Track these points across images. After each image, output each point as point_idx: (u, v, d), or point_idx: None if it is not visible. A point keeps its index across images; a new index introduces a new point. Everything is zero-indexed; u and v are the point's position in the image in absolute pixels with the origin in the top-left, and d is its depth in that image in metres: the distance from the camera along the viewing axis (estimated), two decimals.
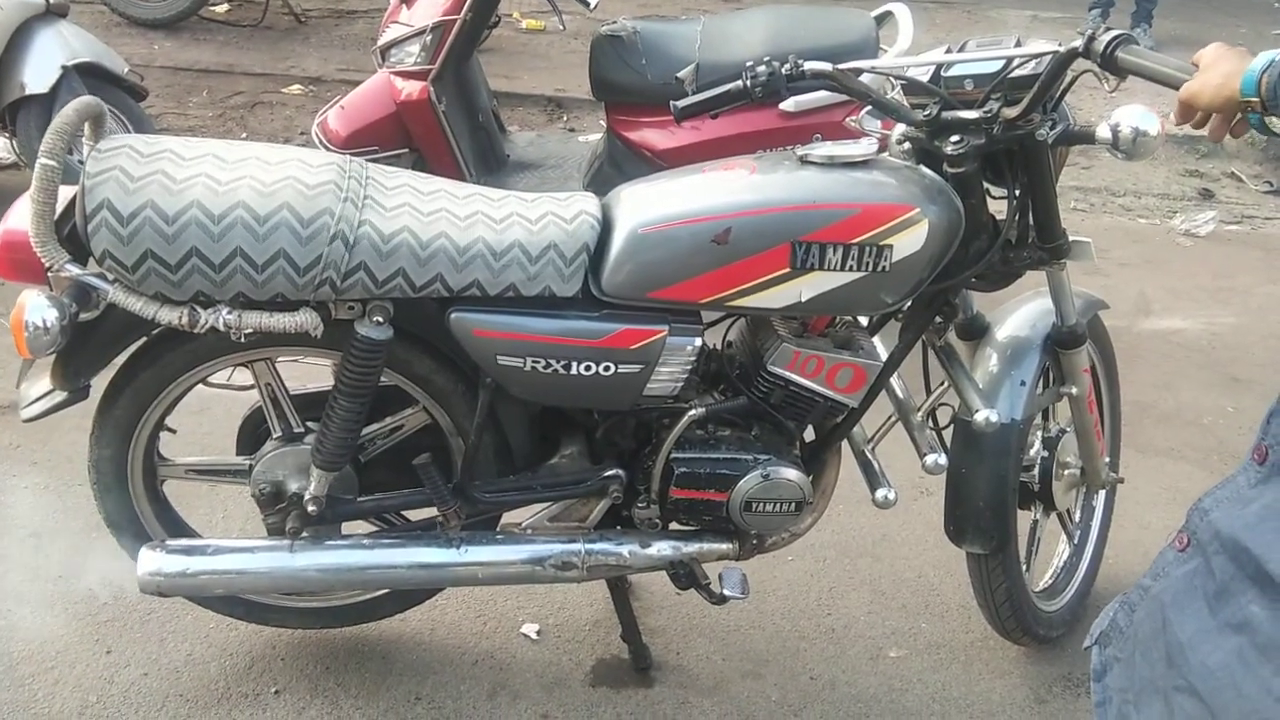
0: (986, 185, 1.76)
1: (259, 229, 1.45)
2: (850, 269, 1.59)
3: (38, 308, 1.40)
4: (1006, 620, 1.97)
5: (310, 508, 1.69)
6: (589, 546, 1.78)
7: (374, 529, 1.89)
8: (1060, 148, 1.75)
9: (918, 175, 1.66)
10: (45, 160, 1.41)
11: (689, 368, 1.67)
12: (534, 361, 1.60)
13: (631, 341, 1.61)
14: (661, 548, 1.80)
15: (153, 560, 1.66)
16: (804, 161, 1.65)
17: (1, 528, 2.24)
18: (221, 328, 1.49)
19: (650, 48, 3.41)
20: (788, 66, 1.71)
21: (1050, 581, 2.19)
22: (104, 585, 2.07)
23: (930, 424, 1.92)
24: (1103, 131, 1.63)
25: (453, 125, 3.45)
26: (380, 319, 1.54)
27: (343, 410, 1.62)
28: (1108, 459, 2.13)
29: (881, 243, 1.58)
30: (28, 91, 3.71)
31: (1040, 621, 2.03)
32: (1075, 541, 2.24)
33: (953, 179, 1.67)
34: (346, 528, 1.82)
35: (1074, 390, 1.92)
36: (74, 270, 1.45)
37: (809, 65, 1.71)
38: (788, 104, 3.33)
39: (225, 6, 6.48)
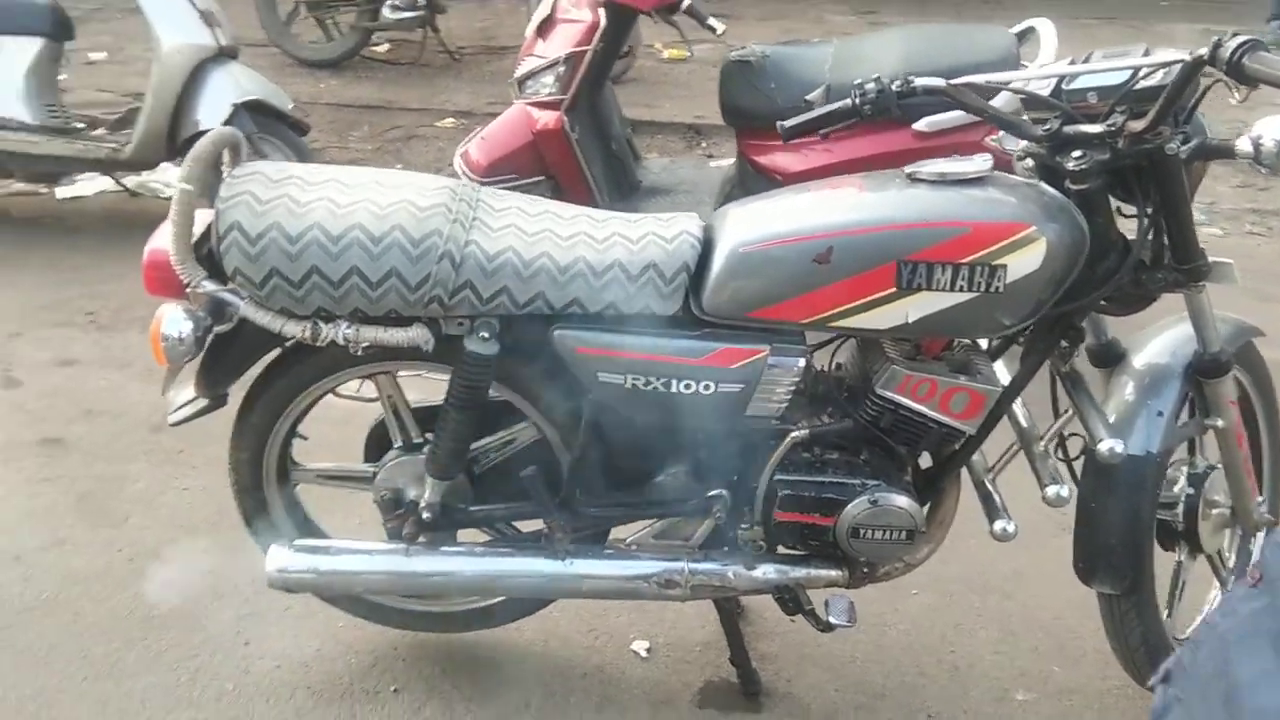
0: (1117, 204, 1.68)
1: (373, 249, 1.52)
2: (961, 289, 1.54)
3: (174, 321, 1.52)
4: (1142, 667, 1.84)
5: (425, 514, 1.75)
6: (692, 566, 1.77)
7: (487, 538, 1.93)
8: (1196, 163, 1.65)
9: (1036, 192, 1.60)
10: (183, 185, 1.53)
11: (792, 388, 1.65)
12: (634, 379, 1.62)
13: (732, 361, 1.61)
14: (767, 571, 1.78)
15: (280, 558, 1.76)
16: (913, 179, 1.61)
17: (162, 525, 2.41)
18: (341, 341, 1.58)
19: (780, 72, 3.40)
20: (898, 83, 1.68)
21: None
22: (249, 582, 2.19)
23: (1060, 455, 1.83)
24: (1243, 145, 1.54)
25: (585, 153, 3.52)
26: (486, 335, 1.59)
27: (453, 422, 1.67)
28: (1263, 499, 1.97)
29: (994, 262, 1.52)
30: (201, 127, 4.01)
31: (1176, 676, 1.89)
32: (1229, 588, 2.07)
33: (1076, 196, 1.60)
34: (463, 536, 1.88)
35: (1219, 423, 1.79)
36: (209, 287, 1.56)
37: (920, 81, 1.68)
38: (921, 124, 3.26)
39: (386, 46, 6.85)
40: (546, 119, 3.49)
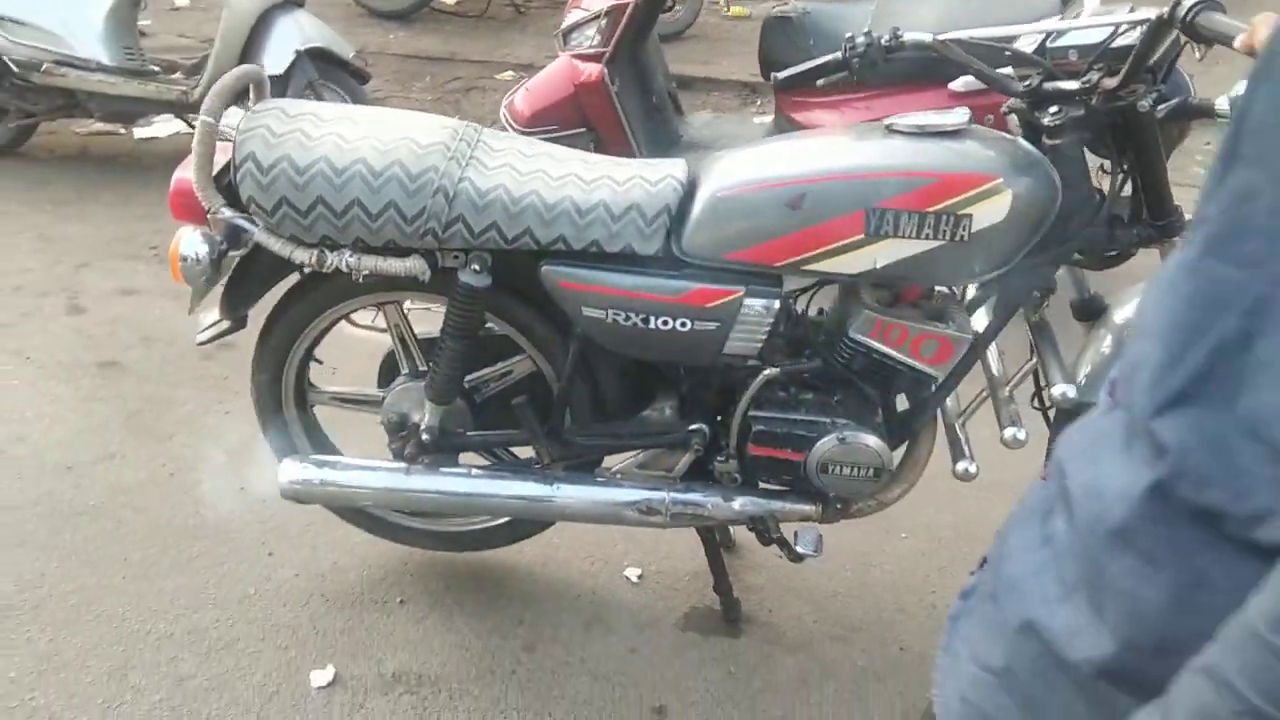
0: (1102, 160, 1.71)
1: (374, 181, 1.63)
2: (927, 237, 1.60)
3: (191, 242, 1.66)
4: None
5: (424, 436, 1.88)
6: (673, 495, 1.87)
7: (488, 463, 2.06)
8: (1179, 123, 1.67)
9: (1008, 146, 1.64)
10: (204, 118, 1.66)
11: (767, 329, 1.72)
12: (615, 314, 1.71)
13: (707, 300, 1.69)
14: (744, 503, 1.87)
15: (291, 470, 1.91)
16: (891, 131, 1.67)
17: (203, 444, 2.59)
18: (344, 268, 1.70)
19: (818, 29, 3.43)
20: (886, 37, 1.73)
21: None
22: (276, 498, 2.34)
23: (1037, 404, 1.88)
24: (1222, 104, 1.57)
25: (625, 106, 3.59)
26: (477, 267, 1.70)
27: (449, 351, 1.79)
28: None
29: (960, 212, 1.58)
30: (266, 73, 4.17)
31: None
32: None
33: (1050, 151, 1.64)
34: (469, 460, 2.00)
35: None
36: (227, 213, 1.70)
37: (908, 36, 1.72)
38: (957, 84, 3.25)
39: None
40: (588, 71, 3.57)
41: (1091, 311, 1.89)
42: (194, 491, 2.41)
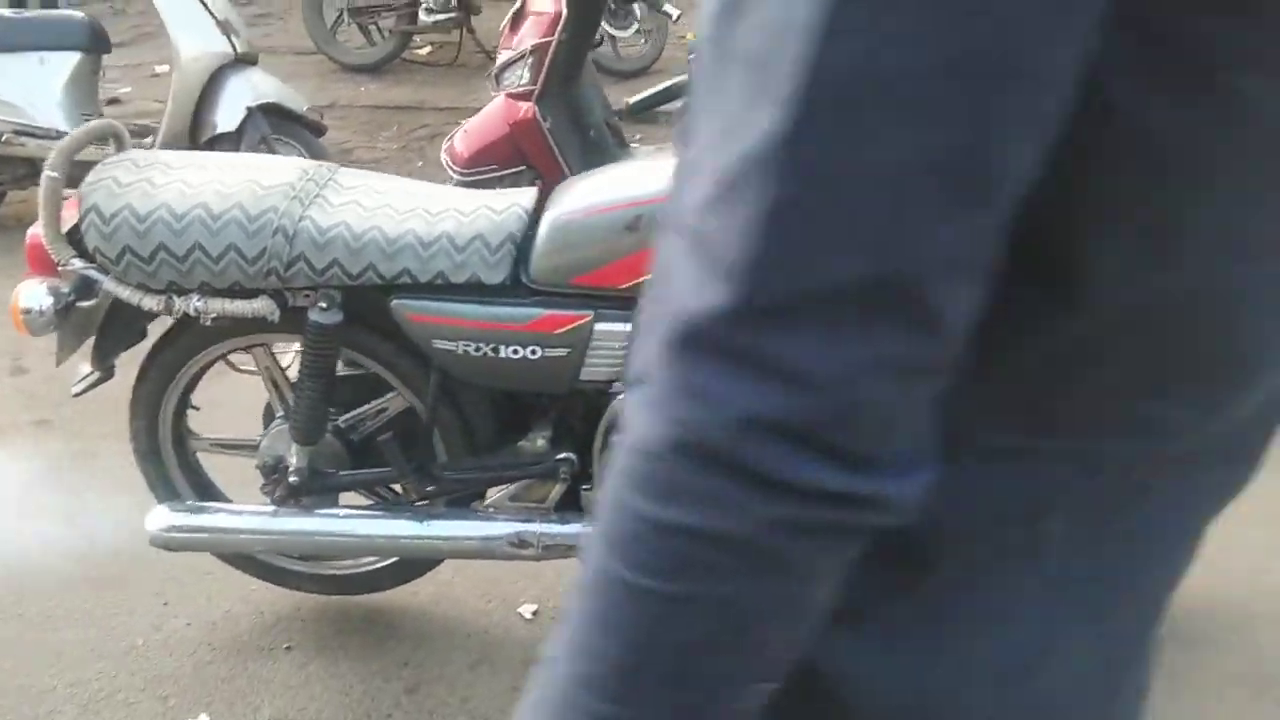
0: None
1: (213, 224, 1.64)
2: None
3: (34, 295, 1.67)
4: None
5: (292, 478, 1.87)
6: (544, 527, 1.85)
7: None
8: None
9: None
10: (48, 173, 1.68)
11: (623, 353, 1.71)
12: (465, 345, 1.70)
13: (556, 326, 1.68)
14: None
15: (161, 518, 1.90)
16: None
17: (116, 496, 2.58)
18: (192, 313, 1.70)
19: None
20: None
21: None
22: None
23: None
24: None
25: (559, 142, 3.61)
26: (324, 305, 1.70)
27: (307, 390, 1.79)
28: None
29: None
30: (218, 130, 4.24)
31: None
32: None
33: None
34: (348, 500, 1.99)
35: None
36: (76, 265, 1.71)
37: None
38: None
39: (428, 49, 7.06)
40: (521, 109, 3.61)
41: None
42: (101, 543, 2.40)
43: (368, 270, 1.67)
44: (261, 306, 1.70)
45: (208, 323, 1.73)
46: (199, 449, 2.07)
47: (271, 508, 1.90)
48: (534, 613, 2.16)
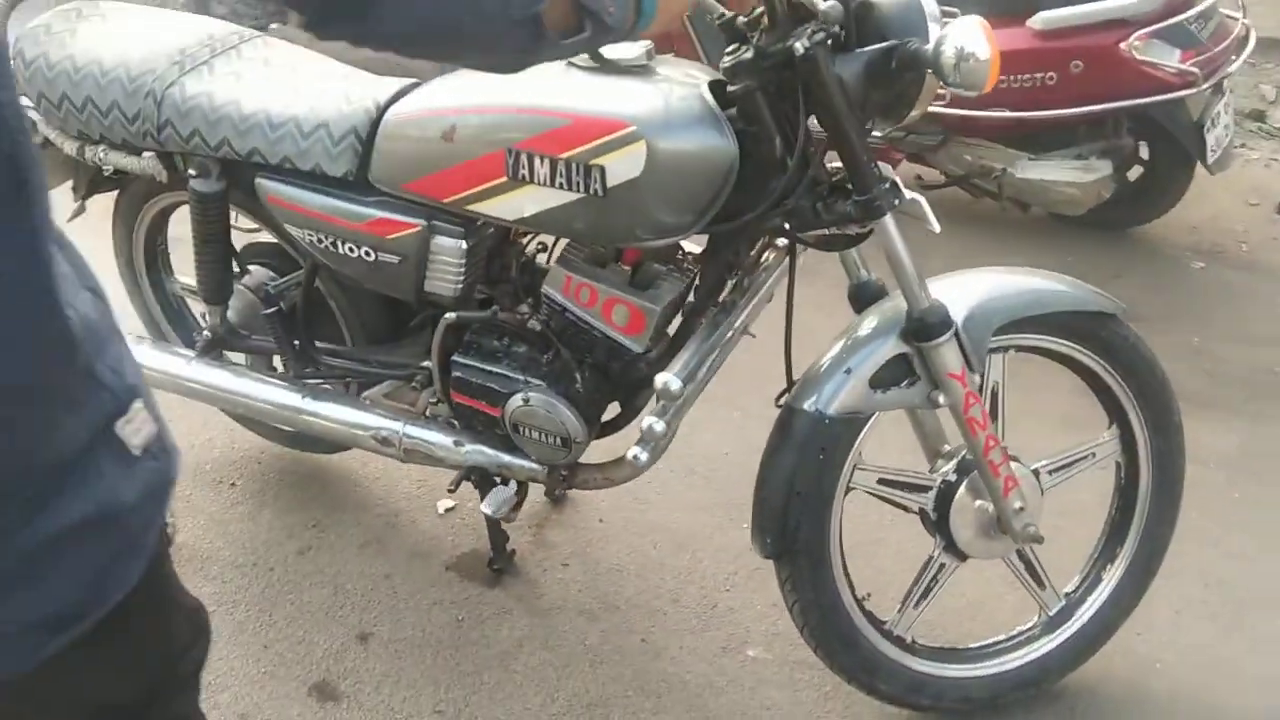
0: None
1: (101, 80, 1.70)
2: (562, 187, 1.40)
3: None
4: (808, 638, 1.60)
5: (205, 333, 1.96)
6: (407, 430, 1.80)
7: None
8: (913, 76, 1.32)
9: (669, 89, 1.38)
10: None
11: (462, 270, 1.60)
12: (309, 234, 1.67)
13: (388, 231, 1.60)
14: (471, 450, 1.76)
15: None
16: (569, 64, 1.45)
17: None
18: (94, 161, 1.79)
19: None
20: None
21: (972, 646, 1.71)
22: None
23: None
24: (925, 53, 1.24)
25: (699, 28, 3.35)
26: (194, 172, 1.72)
27: (198, 253, 1.84)
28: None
29: (591, 162, 1.37)
30: None
31: (882, 671, 1.60)
32: (1053, 614, 1.69)
33: (737, 102, 1.36)
34: None
35: (940, 398, 1.45)
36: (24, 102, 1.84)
37: None
38: (1035, 21, 2.74)
39: None
40: None
41: (862, 298, 1.55)
42: None
43: (223, 144, 1.66)
44: (149, 165, 1.75)
45: (109, 173, 1.81)
46: (170, 289, 2.21)
47: (190, 355, 1.99)
48: (447, 510, 2.16)
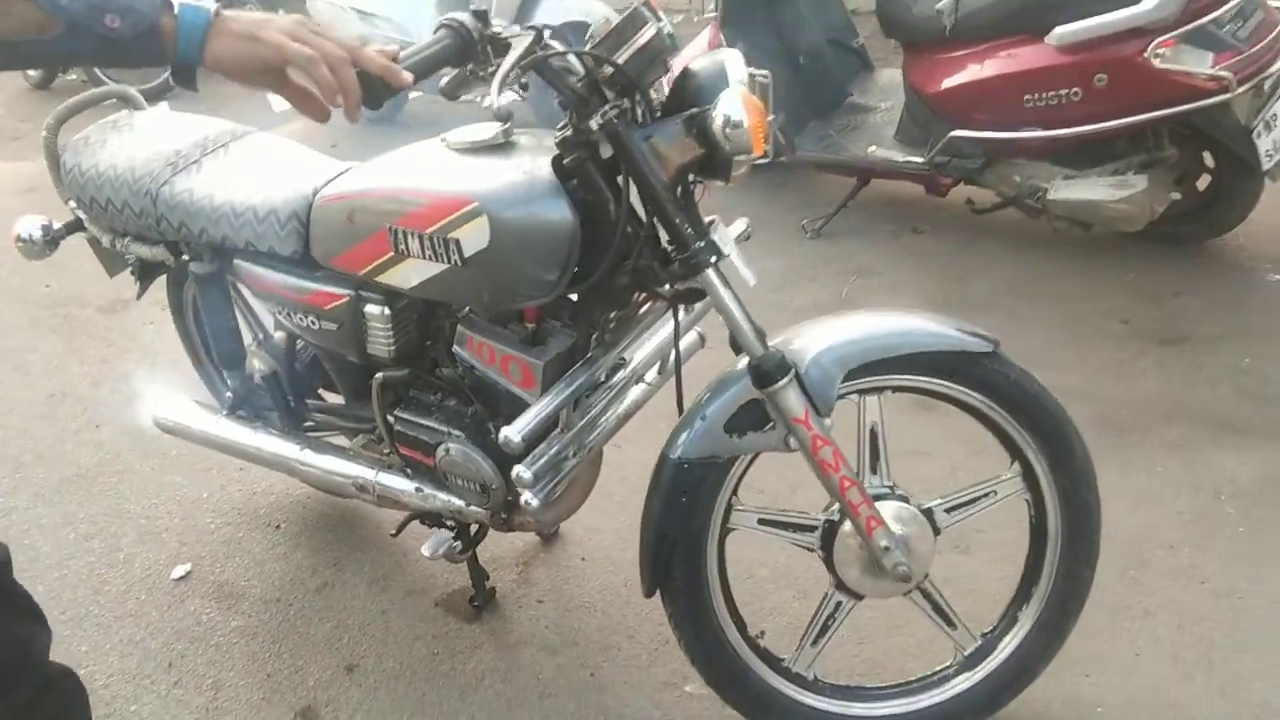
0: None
1: (116, 183, 1.97)
2: (432, 259, 1.54)
3: (27, 225, 2.13)
4: (699, 673, 1.64)
5: (228, 394, 2.22)
6: (380, 477, 1.97)
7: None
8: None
9: (515, 164, 1.48)
10: (43, 133, 2.13)
11: (390, 333, 1.76)
12: (273, 307, 1.88)
13: (325, 302, 1.78)
14: (428, 495, 1.91)
15: (162, 409, 2.34)
16: (446, 146, 1.59)
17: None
18: (122, 251, 2.08)
19: None
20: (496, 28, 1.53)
21: (880, 685, 1.69)
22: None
23: None
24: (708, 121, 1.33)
25: (754, 68, 3.42)
26: (186, 257, 1.97)
27: (209, 325, 2.09)
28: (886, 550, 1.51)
29: (448, 235, 1.50)
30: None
31: (777, 708, 1.61)
32: (968, 653, 1.66)
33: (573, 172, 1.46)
34: None
35: (790, 442, 1.47)
36: (71, 205, 2.16)
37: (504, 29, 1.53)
38: (1051, 38, 2.66)
39: None
40: (719, 36, 3.47)
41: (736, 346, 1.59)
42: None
43: (203, 233, 1.89)
44: (158, 253, 2.02)
45: (132, 260, 2.10)
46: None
47: (220, 415, 2.26)
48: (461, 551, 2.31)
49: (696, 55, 3.43)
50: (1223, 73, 2.52)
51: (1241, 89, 2.52)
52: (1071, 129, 2.73)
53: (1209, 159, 2.92)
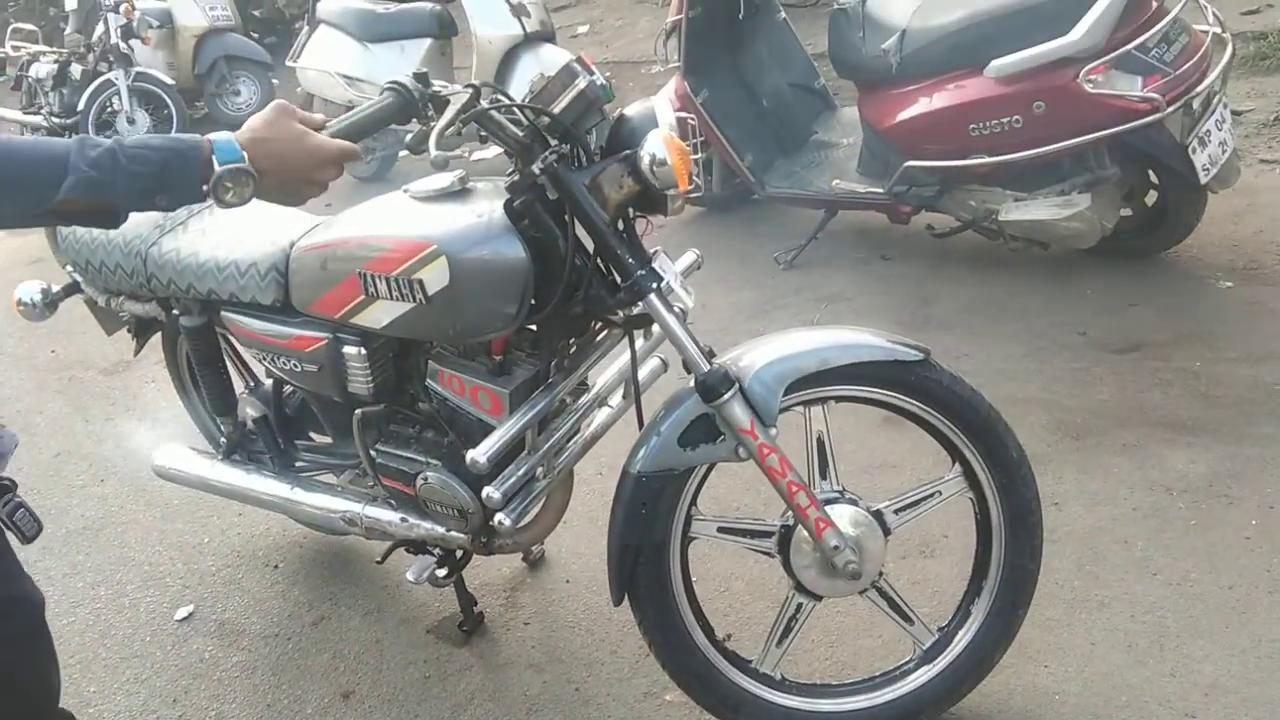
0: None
1: (108, 246, 2.06)
2: (400, 299, 1.62)
3: (27, 290, 2.22)
4: (670, 676, 1.70)
5: (222, 439, 2.29)
6: (367, 511, 2.04)
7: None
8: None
9: (471, 208, 1.57)
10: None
11: (367, 372, 1.83)
12: (259, 353, 1.96)
13: (305, 345, 1.86)
14: (412, 525, 1.97)
15: (159, 455, 2.41)
16: (408, 195, 1.68)
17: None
18: (117, 309, 2.16)
19: (871, 20, 3.08)
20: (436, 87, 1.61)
21: (845, 681, 1.74)
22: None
23: None
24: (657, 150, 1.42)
25: (714, 115, 3.53)
26: (178, 312, 2.05)
27: (202, 375, 2.17)
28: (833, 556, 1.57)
29: (412, 277, 1.58)
30: None
31: (746, 707, 1.66)
32: (926, 647, 1.71)
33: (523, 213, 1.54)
34: None
35: (740, 452, 1.54)
36: (68, 269, 2.25)
37: (445, 88, 1.60)
38: (990, 70, 2.76)
39: None
40: (682, 83, 3.58)
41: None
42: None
43: (190, 287, 1.98)
44: (150, 309, 2.10)
45: (126, 318, 2.18)
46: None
47: (214, 460, 2.33)
48: (445, 576, 2.36)
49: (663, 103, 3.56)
50: (1152, 94, 2.61)
51: (1171, 109, 2.61)
52: (1015, 154, 2.82)
53: (1154, 176, 3.01)
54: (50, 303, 2.24)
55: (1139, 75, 2.63)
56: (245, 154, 1.20)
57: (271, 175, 1.22)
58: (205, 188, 1.17)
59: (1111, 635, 1.86)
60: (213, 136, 1.20)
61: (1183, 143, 2.71)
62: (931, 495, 1.66)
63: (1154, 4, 2.71)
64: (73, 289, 2.25)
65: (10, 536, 1.22)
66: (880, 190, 3.22)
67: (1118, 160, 2.88)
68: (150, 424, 3.28)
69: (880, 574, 1.66)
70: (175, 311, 2.07)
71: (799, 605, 1.68)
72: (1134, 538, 2.08)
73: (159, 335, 2.40)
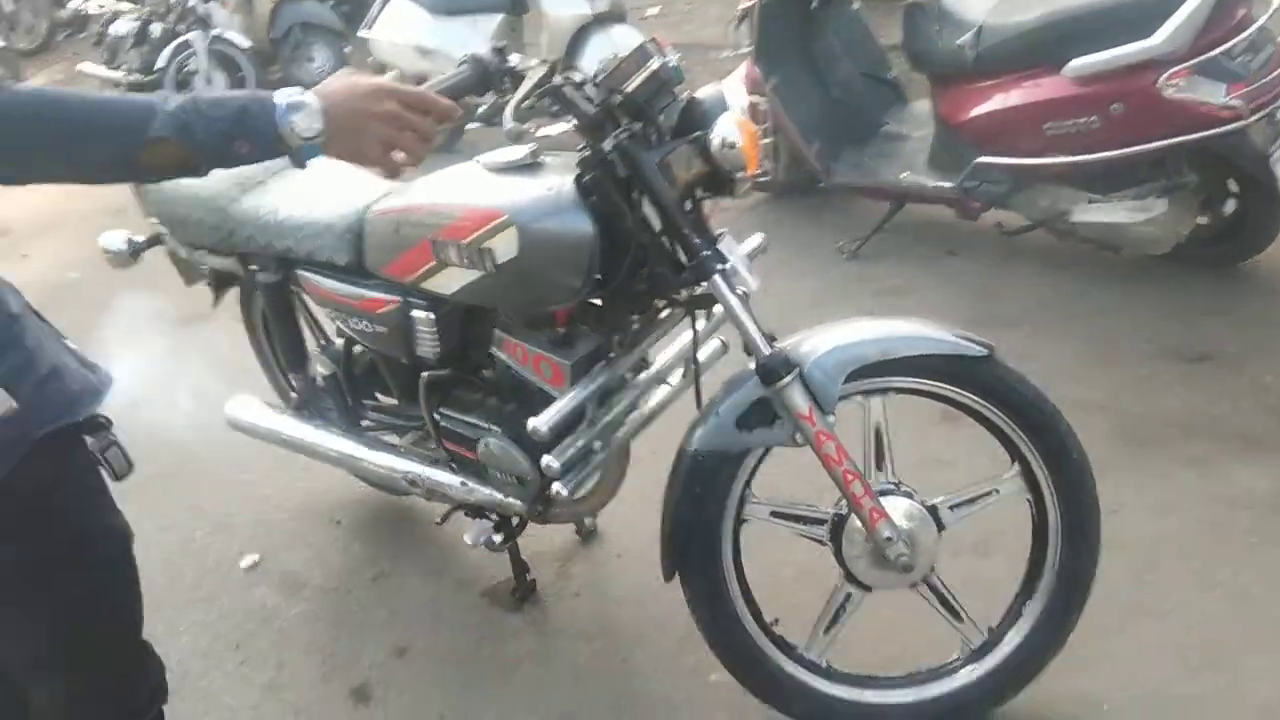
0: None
1: (190, 201, 2.09)
2: (469, 267, 1.62)
3: (111, 239, 2.26)
4: (717, 655, 1.69)
5: (293, 394, 2.32)
6: (428, 472, 2.04)
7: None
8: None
9: (542, 182, 1.56)
10: None
11: (436, 336, 1.84)
12: (331, 311, 1.97)
13: (376, 307, 1.87)
14: (471, 489, 1.97)
15: (232, 408, 2.44)
16: (481, 165, 1.67)
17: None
18: (197, 263, 2.20)
19: (947, 14, 3.00)
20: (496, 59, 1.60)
21: (891, 674, 1.70)
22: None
23: None
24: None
25: (785, 101, 3.46)
26: (255, 267, 2.08)
27: (275, 330, 2.20)
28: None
29: (481, 246, 1.58)
30: None
31: (789, 692, 1.64)
32: (974, 646, 1.67)
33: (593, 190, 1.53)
34: None
35: (798, 437, 1.51)
36: (152, 220, 2.28)
37: (520, 62, 1.61)
38: (1067, 70, 2.67)
39: None
40: (754, 69, 3.52)
41: None
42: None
43: (268, 244, 1.99)
44: (229, 264, 2.13)
45: (205, 272, 2.21)
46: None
47: (288, 415, 2.35)
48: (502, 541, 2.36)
49: (734, 87, 3.51)
50: (1235, 102, 2.50)
51: (1254, 118, 2.50)
52: (1091, 155, 2.73)
53: (1234, 184, 2.89)
54: (134, 251, 2.28)
55: (1222, 82, 2.52)
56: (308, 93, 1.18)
57: (337, 108, 1.17)
58: (278, 130, 1.15)
59: (1164, 647, 1.80)
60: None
61: (1265, 153, 2.59)
62: (989, 494, 1.62)
63: (1241, 11, 2.59)
64: (155, 240, 2.29)
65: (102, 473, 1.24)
66: (950, 184, 3.13)
67: (1196, 167, 2.76)
68: (223, 377, 3.34)
69: (932, 569, 1.62)
70: (253, 268, 2.10)
71: (848, 595, 1.65)
72: (1193, 550, 2.01)
73: (236, 290, 2.44)
